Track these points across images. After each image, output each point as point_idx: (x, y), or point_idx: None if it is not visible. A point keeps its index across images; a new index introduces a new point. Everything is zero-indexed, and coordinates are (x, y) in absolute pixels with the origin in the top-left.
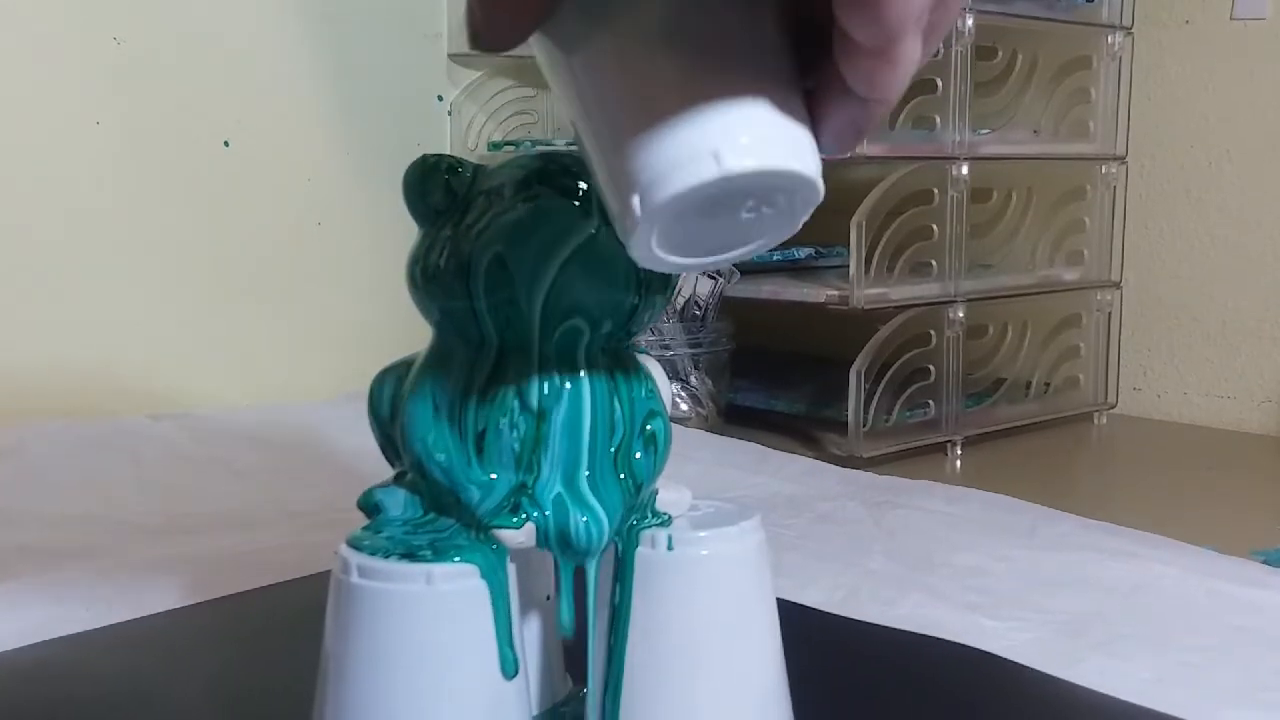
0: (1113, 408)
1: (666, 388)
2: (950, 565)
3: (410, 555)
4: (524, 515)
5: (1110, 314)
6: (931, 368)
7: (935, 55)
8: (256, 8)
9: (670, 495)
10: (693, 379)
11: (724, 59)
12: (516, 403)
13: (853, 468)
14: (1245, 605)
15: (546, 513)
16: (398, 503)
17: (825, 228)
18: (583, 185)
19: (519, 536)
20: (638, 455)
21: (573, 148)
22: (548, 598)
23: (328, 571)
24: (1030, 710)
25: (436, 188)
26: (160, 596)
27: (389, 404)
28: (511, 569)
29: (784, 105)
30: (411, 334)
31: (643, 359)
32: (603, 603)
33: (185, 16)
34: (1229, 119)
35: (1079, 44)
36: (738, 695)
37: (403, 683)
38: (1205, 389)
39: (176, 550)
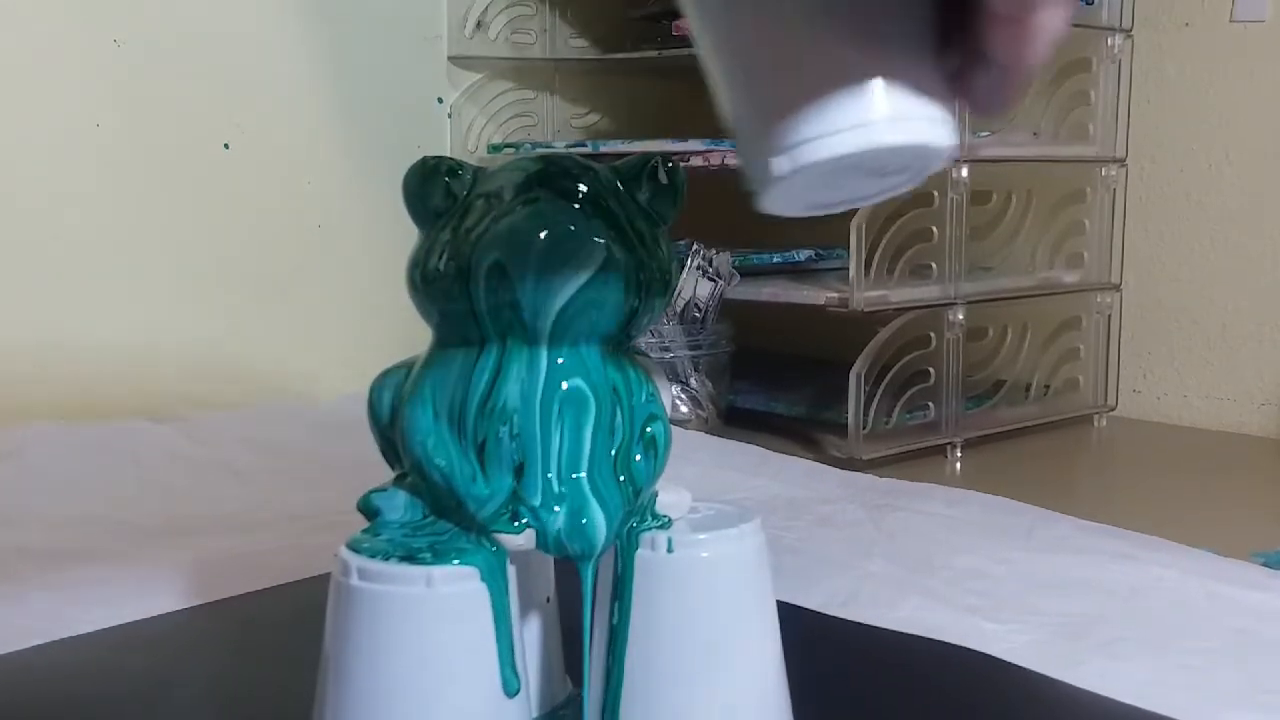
0: (1112, 410)
1: (667, 391)
2: (950, 568)
3: (410, 558)
4: (524, 520)
5: (1110, 316)
6: (931, 370)
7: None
8: (256, 10)
9: (670, 497)
10: (693, 381)
11: (872, 28)
12: (517, 406)
13: (853, 470)
14: (1245, 608)
15: (546, 516)
16: (397, 506)
17: (825, 230)
18: (582, 188)
19: (519, 540)
20: (637, 458)
21: (573, 149)
22: (547, 599)
23: (328, 574)
24: (1030, 712)
25: (436, 190)
26: (161, 599)
27: (389, 407)
28: (511, 571)
29: (927, 76)
30: (411, 336)
31: (643, 361)
32: (602, 604)
33: (185, 19)
34: (1229, 121)
35: (1078, 46)
36: (738, 697)
37: (403, 685)
38: (1205, 391)
39: (177, 552)
